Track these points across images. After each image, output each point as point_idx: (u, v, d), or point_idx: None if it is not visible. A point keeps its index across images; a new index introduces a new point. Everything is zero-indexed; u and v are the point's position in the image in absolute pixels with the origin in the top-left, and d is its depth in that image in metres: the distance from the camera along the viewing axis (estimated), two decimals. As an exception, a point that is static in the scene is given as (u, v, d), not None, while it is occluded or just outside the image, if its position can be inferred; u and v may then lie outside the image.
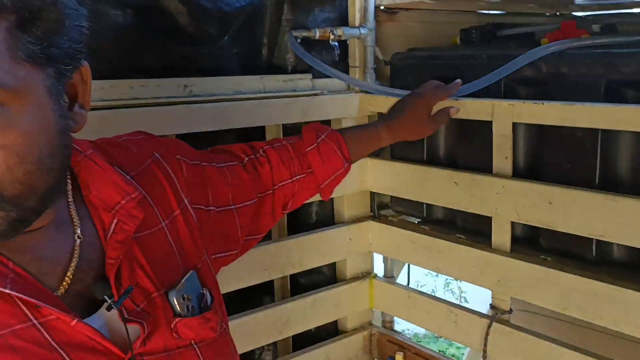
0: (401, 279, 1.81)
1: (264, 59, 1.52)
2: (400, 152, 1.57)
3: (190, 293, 0.78)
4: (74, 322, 0.66)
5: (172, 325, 0.75)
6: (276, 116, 1.46)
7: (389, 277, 1.73)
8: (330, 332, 1.69)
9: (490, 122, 1.30)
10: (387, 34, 1.67)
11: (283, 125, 1.52)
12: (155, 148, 0.87)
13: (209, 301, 0.81)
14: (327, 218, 1.66)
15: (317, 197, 1.53)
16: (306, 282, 1.65)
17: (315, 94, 1.53)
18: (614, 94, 1.13)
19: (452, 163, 1.44)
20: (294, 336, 1.60)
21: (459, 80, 1.27)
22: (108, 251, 0.72)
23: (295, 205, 1.12)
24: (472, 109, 1.32)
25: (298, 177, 1.08)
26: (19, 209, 0.61)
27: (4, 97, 0.57)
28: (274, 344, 1.59)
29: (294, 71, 1.54)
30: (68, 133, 0.66)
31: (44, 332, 0.65)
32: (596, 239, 1.17)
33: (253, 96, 1.42)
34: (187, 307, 0.77)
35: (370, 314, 1.73)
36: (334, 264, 1.67)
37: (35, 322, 0.65)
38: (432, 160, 1.49)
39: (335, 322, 1.69)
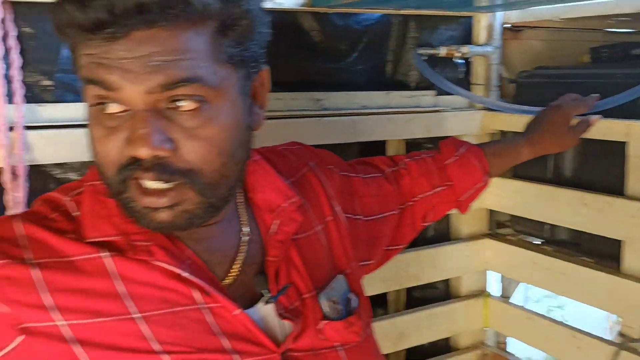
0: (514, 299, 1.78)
1: (388, 75, 1.55)
2: (522, 171, 1.55)
3: (337, 297, 0.81)
4: (237, 311, 0.71)
5: (319, 327, 0.78)
6: (400, 131, 1.48)
7: (505, 296, 1.70)
8: (442, 348, 1.68)
9: (624, 143, 1.26)
10: (511, 52, 1.66)
11: (405, 140, 1.55)
12: (310, 158, 0.93)
13: (354, 306, 0.83)
14: (443, 234, 1.66)
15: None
16: (419, 296, 1.66)
17: (438, 111, 1.55)
18: None
19: (578, 183, 1.41)
20: (407, 350, 1.61)
21: (597, 95, 1.24)
22: (269, 249, 0.77)
23: (435, 218, 1.12)
24: (605, 128, 1.29)
25: (438, 189, 1.08)
26: (214, 196, 0.67)
27: (209, 95, 0.64)
28: (386, 356, 1.61)
29: (417, 87, 1.56)
30: (251, 130, 0.73)
31: (209, 317, 0.70)
32: None
33: (378, 111, 1.46)
34: (335, 310, 0.80)
35: (483, 333, 1.71)
36: (447, 280, 1.67)
37: (203, 306, 0.70)
38: (557, 180, 1.46)
39: (448, 338, 1.69)
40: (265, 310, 0.75)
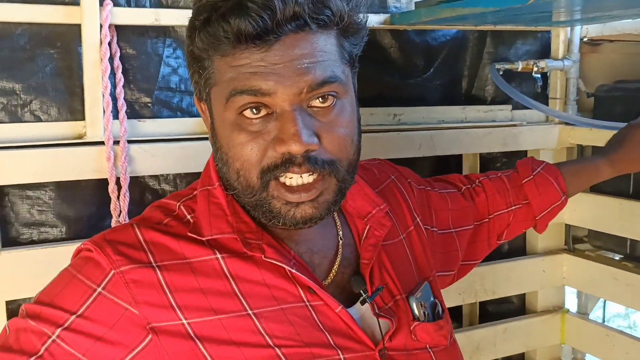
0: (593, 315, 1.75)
1: (464, 90, 1.57)
2: (601, 185, 1.53)
3: (425, 301, 0.85)
4: (339, 309, 0.76)
5: (411, 328, 0.82)
6: (476, 145, 1.50)
7: (583, 312, 1.67)
8: (517, 363, 1.67)
9: None
10: (590, 66, 1.65)
11: (480, 154, 1.57)
12: (391, 172, 0.98)
13: (440, 311, 0.87)
14: (518, 248, 1.66)
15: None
16: (494, 311, 1.66)
17: (515, 125, 1.55)
18: None
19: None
20: (481, 364, 1.61)
21: None
22: (362, 252, 0.82)
23: (511, 236, 1.13)
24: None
25: (514, 207, 1.09)
26: (348, 181, 0.75)
27: (340, 91, 0.71)
28: (461, 369, 1.61)
29: (493, 102, 1.57)
30: (361, 123, 0.80)
31: (313, 314, 0.75)
32: None
33: (455, 125, 1.48)
34: (424, 313, 0.84)
35: (560, 349, 1.69)
36: (523, 294, 1.66)
37: (307, 304, 0.75)
38: (639, 194, 1.44)
39: (523, 354, 1.68)
40: (363, 310, 0.80)
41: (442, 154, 1.45)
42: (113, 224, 1.10)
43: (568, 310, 1.65)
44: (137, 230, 0.76)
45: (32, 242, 1.09)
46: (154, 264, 0.73)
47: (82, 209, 1.12)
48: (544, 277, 1.61)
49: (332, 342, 0.75)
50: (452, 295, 1.48)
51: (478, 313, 1.64)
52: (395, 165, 1.01)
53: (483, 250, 1.10)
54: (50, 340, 0.69)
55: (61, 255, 1.05)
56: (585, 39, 1.62)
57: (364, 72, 1.40)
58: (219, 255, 0.75)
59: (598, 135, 1.50)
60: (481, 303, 1.64)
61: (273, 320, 0.73)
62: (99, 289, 0.71)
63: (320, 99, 0.70)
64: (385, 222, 0.85)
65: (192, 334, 0.71)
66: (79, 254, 0.76)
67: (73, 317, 0.70)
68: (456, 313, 1.63)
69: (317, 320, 0.75)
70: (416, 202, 0.96)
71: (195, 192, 0.81)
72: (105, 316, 0.71)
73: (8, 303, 1.06)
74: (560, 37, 1.57)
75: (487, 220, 1.09)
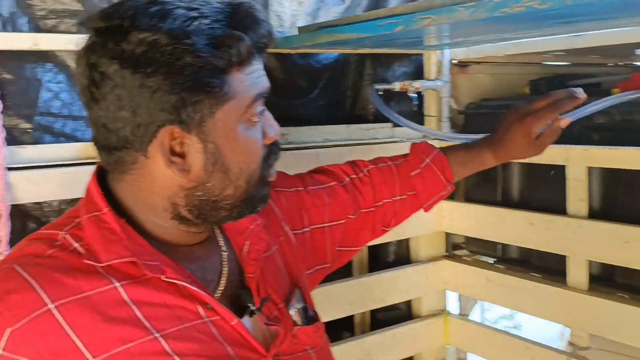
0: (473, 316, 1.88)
1: (348, 110, 1.66)
2: (474, 195, 1.67)
3: (298, 306, 0.91)
4: (235, 321, 0.79)
5: (293, 333, 0.87)
6: (360, 161, 1.58)
7: (463, 314, 1.80)
8: (406, 367, 1.76)
9: (564, 167, 1.39)
10: (460, 86, 1.79)
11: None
12: None
13: (312, 314, 0.92)
14: (403, 257, 1.76)
15: (394, 237, 1.66)
16: (383, 318, 1.74)
17: (395, 142, 1.65)
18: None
19: (525, 204, 1.53)
20: (372, 370, 1.68)
21: (576, 98, 1.11)
22: (245, 267, 0.86)
23: (398, 222, 1.17)
24: (546, 153, 1.41)
25: (400, 197, 1.14)
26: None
27: None
28: (355, 377, 1.68)
29: (375, 120, 1.67)
30: None
31: (213, 329, 0.77)
32: (673, 277, 1.24)
33: (340, 143, 1.55)
34: (299, 318, 0.89)
35: (444, 350, 1.80)
36: (409, 301, 1.76)
37: (207, 319, 0.77)
38: (506, 202, 1.58)
39: (412, 357, 1.77)
40: (252, 320, 0.83)
41: (328, 171, 1.52)
42: (-7, 255, 1.06)
43: (449, 312, 1.76)
44: (21, 271, 0.71)
45: None
46: (50, 306, 0.69)
47: (-42, 240, 1.08)
48: (427, 283, 1.72)
49: (232, 354, 0.78)
50: (343, 306, 1.55)
51: (369, 322, 1.72)
52: None
53: (366, 238, 1.13)
54: None
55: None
56: (454, 61, 1.76)
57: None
58: (117, 284, 0.73)
59: (469, 149, 1.63)
60: (372, 312, 1.72)
61: (179, 339, 0.74)
62: (0, 352, 0.67)
63: None
64: (264, 236, 0.89)
65: None
66: None
67: None
68: (348, 323, 1.69)
69: (217, 334, 0.78)
70: (285, 210, 1.00)
71: (78, 220, 0.77)
72: None
73: None
74: (431, 60, 1.69)
75: (373, 209, 1.12)
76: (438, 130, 1.69)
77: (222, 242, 0.87)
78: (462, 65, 1.79)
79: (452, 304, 1.82)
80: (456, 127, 1.75)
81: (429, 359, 1.77)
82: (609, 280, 1.38)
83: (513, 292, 1.53)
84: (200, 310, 0.77)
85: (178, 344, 0.74)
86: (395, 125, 1.66)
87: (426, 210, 1.19)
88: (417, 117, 1.73)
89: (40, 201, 1.18)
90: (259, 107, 0.78)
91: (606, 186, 1.36)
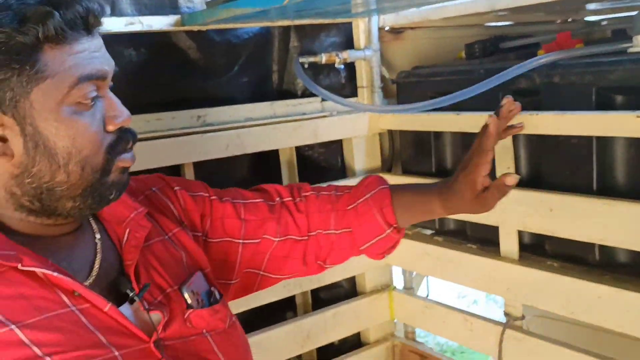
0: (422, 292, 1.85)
1: (275, 86, 1.60)
2: (410, 166, 1.62)
3: (199, 289, 0.88)
4: (108, 307, 0.75)
5: (185, 316, 0.84)
6: (287, 139, 1.53)
7: (408, 288, 1.76)
8: (354, 344, 1.74)
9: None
10: (394, 53, 1.73)
11: (296, 147, 1.60)
12: (154, 184, 0.98)
13: (217, 297, 0.90)
14: (344, 234, 1.71)
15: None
16: (327, 297, 1.71)
17: (325, 116, 1.60)
18: (604, 101, 1.16)
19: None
20: (318, 349, 1.66)
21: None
22: (124, 255, 0.83)
23: (336, 261, 1.08)
24: (470, 122, 1.37)
25: (335, 232, 1.04)
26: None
27: None
28: (299, 357, 1.65)
29: (304, 95, 1.61)
30: None
31: (81, 317, 0.74)
32: (598, 244, 1.20)
33: (264, 122, 1.49)
34: (198, 300, 0.86)
35: (393, 325, 1.77)
36: (353, 277, 1.73)
37: (73, 308, 0.74)
38: (441, 173, 1.53)
39: (358, 334, 1.74)
40: (133, 307, 0.80)
41: (251, 152, 1.46)
42: None
43: (395, 287, 1.73)
44: None
45: None
46: None
47: None
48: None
49: (105, 342, 0.74)
50: (277, 288, 1.51)
51: (311, 302, 1.68)
52: (165, 178, 1.01)
53: (294, 269, 1.06)
54: None
55: None
56: (387, 28, 1.69)
57: (162, 76, 1.40)
58: None
59: (403, 120, 1.57)
60: (313, 291, 1.68)
61: (39, 329, 0.71)
62: None
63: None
64: (145, 224, 0.87)
65: None
66: None
67: None
68: (290, 304, 1.66)
69: (87, 322, 0.74)
70: (183, 209, 0.98)
71: None
72: None
73: None
74: (360, 28, 1.63)
75: (305, 237, 1.03)
76: (364, 103, 1.64)
77: (97, 232, 0.84)
78: (396, 31, 1.72)
79: (398, 279, 1.78)
80: (390, 97, 1.69)
81: (376, 335, 1.74)
82: (539, 249, 1.34)
83: (449, 264, 1.50)
84: (65, 299, 0.74)
85: (37, 334, 0.71)
86: (325, 99, 1.60)
87: (368, 254, 1.08)
88: (349, 89, 1.67)
89: None
90: (90, 89, 0.73)
91: (532, 153, 1.31)
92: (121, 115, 0.77)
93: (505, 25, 1.98)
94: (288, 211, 1.04)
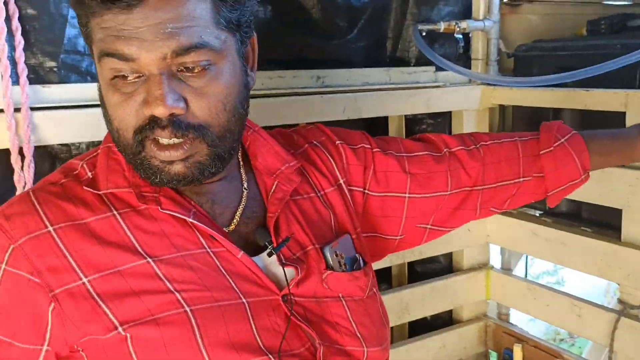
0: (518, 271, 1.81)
1: (389, 52, 1.56)
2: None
3: (343, 252, 0.86)
4: (240, 254, 0.77)
5: (323, 277, 0.83)
6: (400, 107, 1.50)
7: (506, 268, 1.72)
8: (445, 321, 1.71)
9: (623, 113, 1.28)
10: (510, 27, 1.67)
11: (405, 116, 1.57)
12: (316, 137, 0.96)
13: (361, 264, 0.87)
14: (444, 208, 1.68)
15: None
16: (422, 271, 1.69)
17: (438, 86, 1.56)
18: None
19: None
20: (409, 323, 1.64)
21: None
22: (269, 207, 0.83)
23: (514, 205, 1.04)
24: (603, 99, 1.31)
25: (522, 179, 1.00)
26: (221, 147, 0.74)
27: (213, 57, 0.71)
28: (391, 329, 1.64)
29: (418, 64, 1.57)
30: (248, 89, 0.79)
31: (215, 259, 0.76)
32: None
33: (379, 87, 1.47)
34: (340, 263, 0.85)
35: (485, 305, 1.74)
36: (450, 253, 1.70)
37: (208, 250, 0.76)
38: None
39: (450, 311, 1.72)
40: (268, 260, 0.80)
41: (367, 117, 1.44)
42: (17, 196, 1.04)
43: (492, 267, 1.69)
44: (32, 197, 0.76)
45: None
46: (50, 228, 0.73)
47: (-15, 181, 1.06)
48: (470, 235, 1.64)
49: (234, 286, 0.75)
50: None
51: (407, 274, 1.67)
52: (326, 130, 0.98)
53: (464, 218, 1.02)
54: None
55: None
56: (505, 0, 1.63)
57: (286, 34, 1.39)
58: (115, 212, 0.76)
59: (518, 95, 1.52)
60: (409, 264, 1.66)
61: (173, 265, 0.74)
62: (3, 266, 0.72)
63: (191, 65, 0.69)
64: (294, 178, 0.86)
65: (92, 293, 0.72)
66: None
67: None
68: (385, 274, 1.65)
69: (219, 266, 0.76)
70: (345, 165, 0.94)
71: (99, 151, 0.81)
72: (12, 290, 0.72)
73: None
74: (480, -2, 1.58)
75: (479, 188, 0.99)
76: (486, 74, 1.58)
77: (245, 180, 0.85)
78: (513, 4, 1.67)
79: (495, 258, 1.74)
80: (505, 71, 1.64)
81: (469, 314, 1.71)
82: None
83: (561, 246, 1.45)
84: (202, 240, 0.77)
85: (171, 270, 0.74)
86: (439, 69, 1.56)
87: (550, 202, 1.03)
88: (463, 60, 1.62)
89: (67, 143, 1.14)
90: (114, 66, 0.69)
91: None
92: (151, 104, 0.69)
93: (626, 5, 1.89)
94: (458, 161, 0.99)
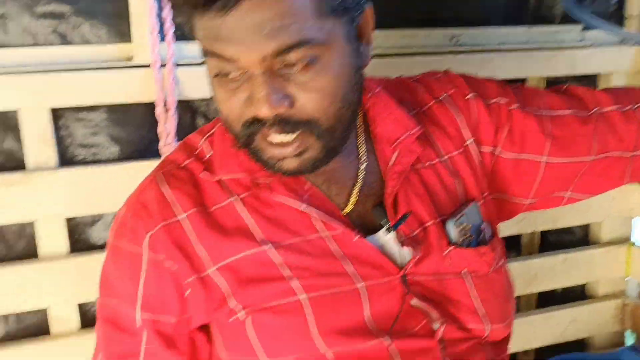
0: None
1: (531, 9, 1.47)
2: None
3: (469, 223, 0.82)
4: (356, 238, 0.77)
5: (444, 253, 0.80)
6: (540, 68, 1.42)
7: (651, 245, 1.60)
8: (577, 295, 1.63)
9: None
10: (673, -21, 1.50)
11: (546, 78, 1.48)
12: (445, 89, 0.90)
13: (487, 236, 0.84)
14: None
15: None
16: (555, 241, 1.61)
17: (584, 46, 1.45)
18: None
19: None
20: (539, 294, 1.58)
21: None
22: (387, 180, 0.80)
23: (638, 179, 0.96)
24: None
25: None
26: (333, 139, 0.72)
27: (318, 51, 0.67)
28: (517, 298, 1.59)
29: (562, 22, 1.47)
30: (360, 70, 0.75)
31: (330, 244, 0.77)
32: None
33: (517, 47, 1.39)
34: (465, 237, 0.81)
35: (624, 282, 1.62)
36: (587, 225, 1.60)
37: (323, 234, 0.77)
38: None
39: (583, 286, 1.63)
40: (385, 239, 0.79)
41: (501, 77, 1.37)
42: (160, 147, 1.12)
43: (634, 243, 1.58)
44: (159, 184, 0.79)
45: (86, 162, 1.13)
46: (179, 217, 0.77)
47: (133, 131, 1.15)
48: (611, 206, 1.54)
49: (351, 270, 0.76)
50: (511, 225, 1.44)
51: (539, 243, 1.60)
52: (457, 79, 0.92)
53: (607, 185, 0.96)
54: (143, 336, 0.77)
55: (114, 174, 1.10)
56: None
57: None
58: (233, 198, 0.78)
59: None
60: (542, 233, 1.59)
61: (290, 251, 0.76)
62: (144, 258, 0.76)
63: (294, 62, 0.66)
64: (415, 148, 0.82)
65: (217, 280, 0.76)
66: (118, 222, 0.80)
67: (139, 301, 0.77)
68: (514, 242, 1.59)
69: (335, 250, 0.76)
70: (472, 120, 0.88)
71: (219, 125, 0.82)
72: (154, 281, 0.77)
73: (68, 220, 1.12)
74: (639, -53, 1.43)
75: (630, 154, 0.92)
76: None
77: (363, 153, 0.82)
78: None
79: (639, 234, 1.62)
80: (664, 29, 1.48)
81: (605, 290, 1.61)
82: None
83: None
84: (319, 225, 0.77)
85: (289, 257, 0.75)
86: (586, 27, 1.45)
87: None
88: (615, 18, 1.49)
89: (207, 98, 1.21)
90: (217, 64, 0.68)
91: None
92: (254, 105, 0.68)
93: None
94: (609, 123, 0.91)
